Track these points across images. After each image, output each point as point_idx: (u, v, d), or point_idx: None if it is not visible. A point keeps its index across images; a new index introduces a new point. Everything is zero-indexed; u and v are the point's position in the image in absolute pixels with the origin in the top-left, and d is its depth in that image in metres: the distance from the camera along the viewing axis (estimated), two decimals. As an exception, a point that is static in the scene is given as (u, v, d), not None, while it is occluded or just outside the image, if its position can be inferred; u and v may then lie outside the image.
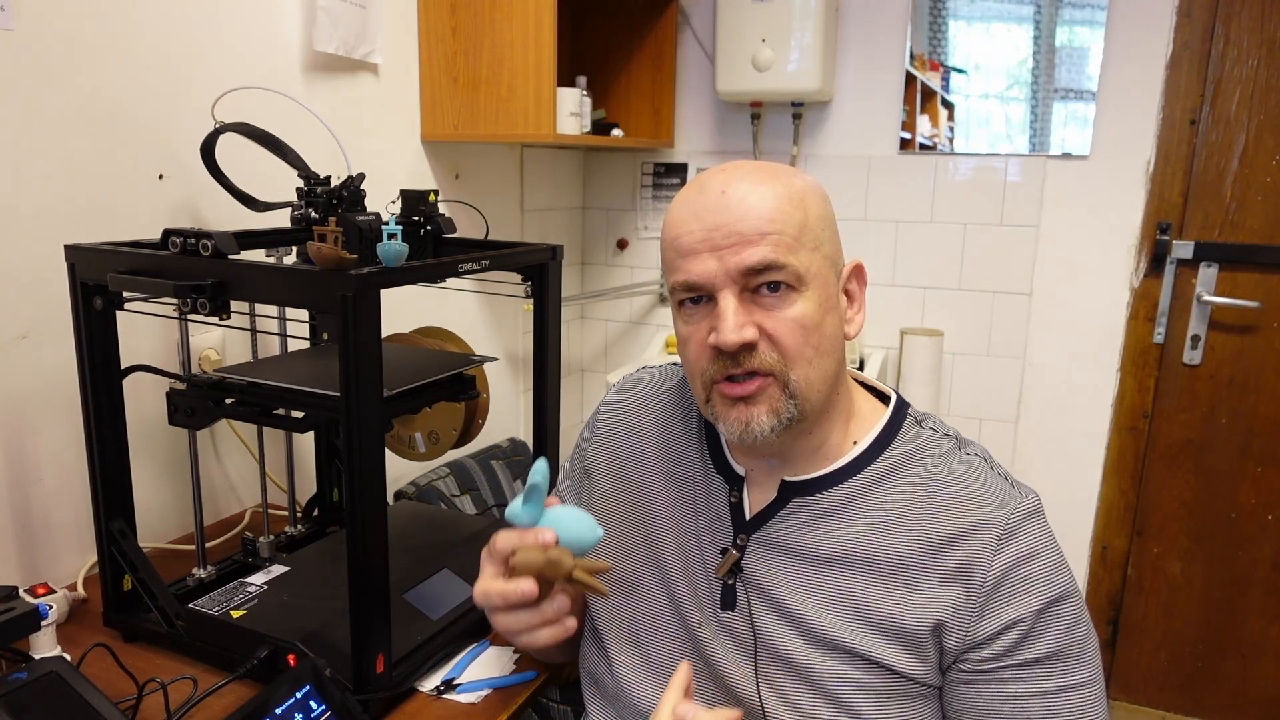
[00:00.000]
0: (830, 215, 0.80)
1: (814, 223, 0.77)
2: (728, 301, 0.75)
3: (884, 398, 0.89)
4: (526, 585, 0.75)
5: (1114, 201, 2.08)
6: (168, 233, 0.93)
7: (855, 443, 0.84)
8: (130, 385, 1.04)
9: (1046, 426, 2.23)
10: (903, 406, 0.87)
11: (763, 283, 0.75)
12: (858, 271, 0.83)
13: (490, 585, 0.78)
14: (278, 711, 0.82)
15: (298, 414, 1.10)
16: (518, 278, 1.18)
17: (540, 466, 0.77)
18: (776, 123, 2.34)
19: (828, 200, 0.81)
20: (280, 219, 1.19)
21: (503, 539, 0.78)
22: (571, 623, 0.80)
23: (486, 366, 1.18)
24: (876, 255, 2.30)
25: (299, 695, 0.85)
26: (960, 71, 2.18)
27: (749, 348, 0.75)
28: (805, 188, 0.78)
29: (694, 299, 0.78)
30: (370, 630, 0.91)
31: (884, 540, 0.78)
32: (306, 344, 1.29)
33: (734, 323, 0.74)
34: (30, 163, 1.13)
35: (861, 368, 2.16)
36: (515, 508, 0.77)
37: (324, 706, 0.86)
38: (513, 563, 0.75)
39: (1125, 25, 2.00)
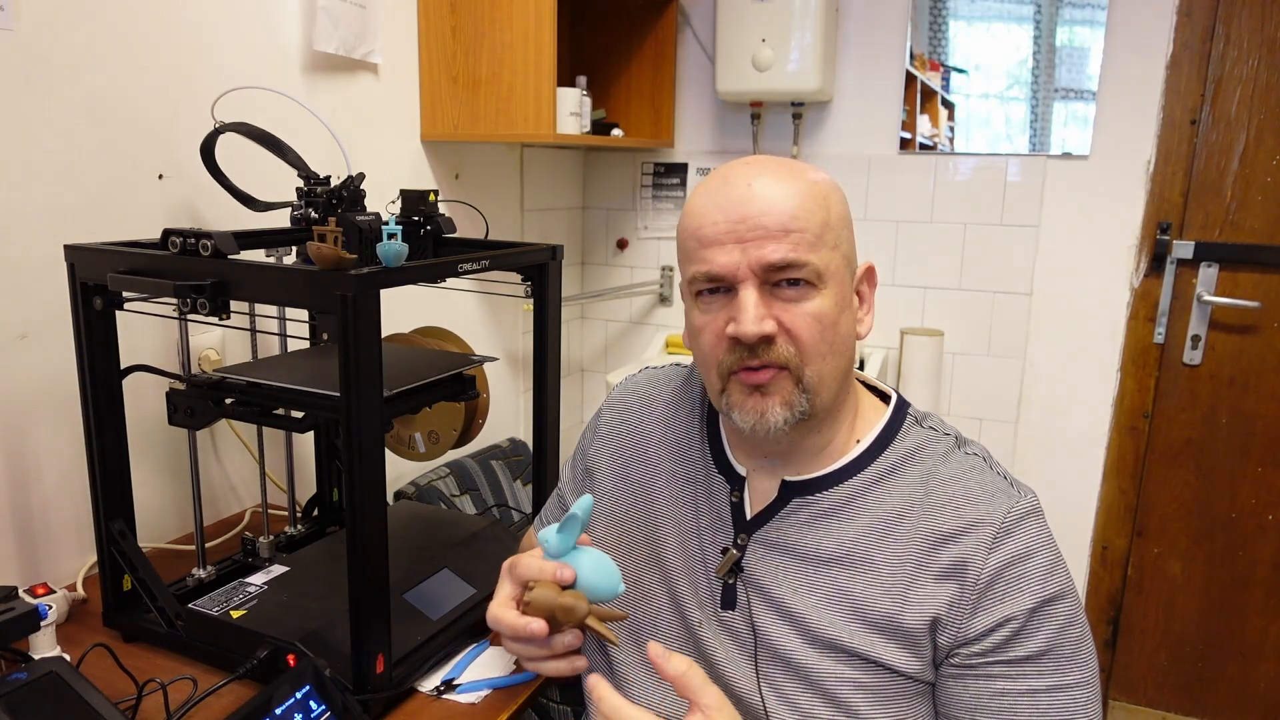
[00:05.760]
0: (849, 216, 0.82)
1: (835, 221, 0.78)
2: (748, 293, 0.75)
3: (885, 397, 0.89)
4: (537, 625, 0.75)
5: (1114, 201, 2.08)
6: (167, 233, 0.93)
7: (858, 441, 0.84)
8: (130, 385, 1.04)
9: (1046, 426, 2.23)
10: (903, 406, 0.87)
11: (783, 278, 0.75)
12: (869, 273, 0.84)
13: (503, 614, 0.78)
14: (278, 712, 0.82)
15: (298, 414, 1.10)
16: (518, 278, 1.18)
17: (585, 501, 0.77)
18: (776, 122, 2.34)
19: (846, 200, 0.82)
20: (280, 219, 1.19)
21: (525, 564, 0.78)
22: (581, 661, 0.80)
23: (486, 366, 1.18)
24: (877, 255, 2.30)
25: (299, 695, 0.85)
26: (960, 71, 2.18)
27: (767, 340, 0.76)
28: (828, 186, 0.79)
29: (713, 289, 0.78)
30: (370, 630, 0.90)
31: (883, 540, 0.79)
32: (306, 344, 1.29)
33: (754, 314, 0.75)
34: (30, 163, 1.13)
35: (862, 367, 2.15)
36: (549, 533, 0.77)
37: (324, 706, 0.86)
38: (527, 597, 0.75)
39: (1125, 25, 2.00)
